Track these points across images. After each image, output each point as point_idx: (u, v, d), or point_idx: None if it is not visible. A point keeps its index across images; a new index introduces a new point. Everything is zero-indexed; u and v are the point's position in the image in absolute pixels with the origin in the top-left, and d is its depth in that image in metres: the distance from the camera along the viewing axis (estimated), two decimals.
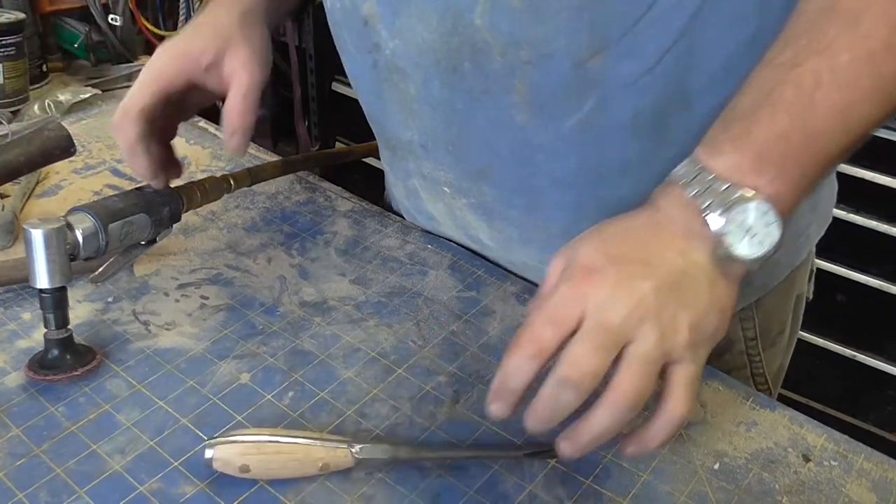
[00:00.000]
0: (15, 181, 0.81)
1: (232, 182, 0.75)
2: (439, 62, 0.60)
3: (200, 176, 0.78)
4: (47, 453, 0.56)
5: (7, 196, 0.84)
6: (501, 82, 0.59)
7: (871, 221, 1.58)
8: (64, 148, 0.79)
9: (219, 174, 0.75)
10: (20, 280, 0.69)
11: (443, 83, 0.61)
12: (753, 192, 0.48)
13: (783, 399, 0.70)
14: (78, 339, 0.64)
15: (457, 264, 0.78)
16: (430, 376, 0.64)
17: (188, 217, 0.81)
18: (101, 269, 0.69)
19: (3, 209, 0.80)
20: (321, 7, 0.76)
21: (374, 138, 0.81)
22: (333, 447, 0.55)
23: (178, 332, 0.68)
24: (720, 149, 0.50)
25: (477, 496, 0.55)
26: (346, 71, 0.72)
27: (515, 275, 0.76)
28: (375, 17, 0.62)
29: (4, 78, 1.00)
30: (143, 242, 0.68)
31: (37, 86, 1.09)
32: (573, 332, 0.47)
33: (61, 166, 0.89)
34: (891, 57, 0.48)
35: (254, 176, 0.80)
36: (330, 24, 0.70)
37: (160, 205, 0.67)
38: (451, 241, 0.80)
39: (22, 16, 1.01)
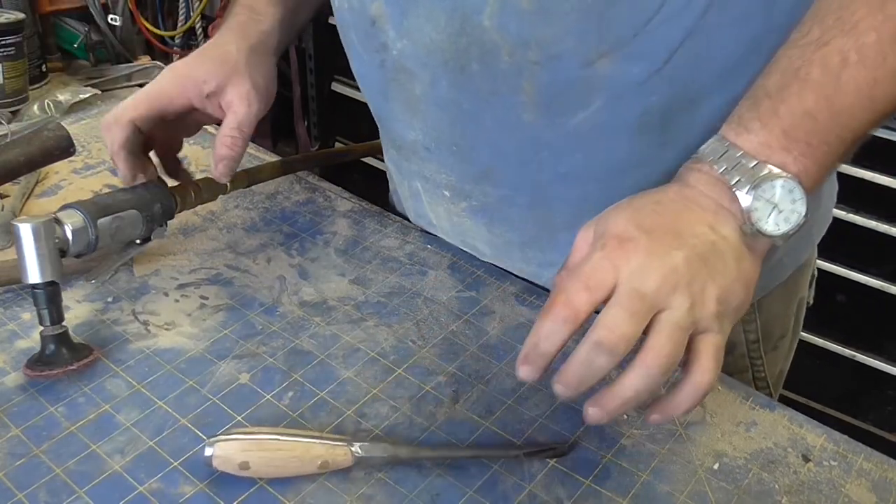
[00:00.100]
0: (15, 181, 0.82)
1: (228, 183, 0.75)
2: (447, 62, 0.60)
3: (200, 176, 0.78)
4: (47, 453, 0.56)
5: (7, 196, 0.84)
6: (509, 83, 0.59)
7: (871, 221, 1.58)
8: (63, 148, 0.79)
9: None
10: (20, 280, 0.69)
11: (450, 83, 0.61)
12: (780, 169, 0.49)
13: (783, 399, 0.70)
14: (76, 338, 0.64)
15: (456, 264, 0.78)
16: (429, 376, 0.64)
17: (188, 217, 0.81)
18: (96, 267, 0.69)
19: (2, 209, 0.80)
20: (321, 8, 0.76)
21: (374, 138, 0.81)
22: (333, 446, 0.55)
23: (177, 332, 0.68)
24: (748, 126, 0.51)
25: (476, 496, 0.55)
26: (353, 70, 0.72)
27: (515, 275, 0.76)
28: (383, 18, 0.62)
29: (4, 78, 1.00)
30: (137, 241, 0.69)
31: (36, 86, 1.09)
32: (606, 299, 0.47)
33: (61, 166, 0.90)
34: None
35: (252, 177, 0.81)
36: (337, 23, 0.70)
37: (151, 202, 0.68)
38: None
39: (22, 16, 1.01)
